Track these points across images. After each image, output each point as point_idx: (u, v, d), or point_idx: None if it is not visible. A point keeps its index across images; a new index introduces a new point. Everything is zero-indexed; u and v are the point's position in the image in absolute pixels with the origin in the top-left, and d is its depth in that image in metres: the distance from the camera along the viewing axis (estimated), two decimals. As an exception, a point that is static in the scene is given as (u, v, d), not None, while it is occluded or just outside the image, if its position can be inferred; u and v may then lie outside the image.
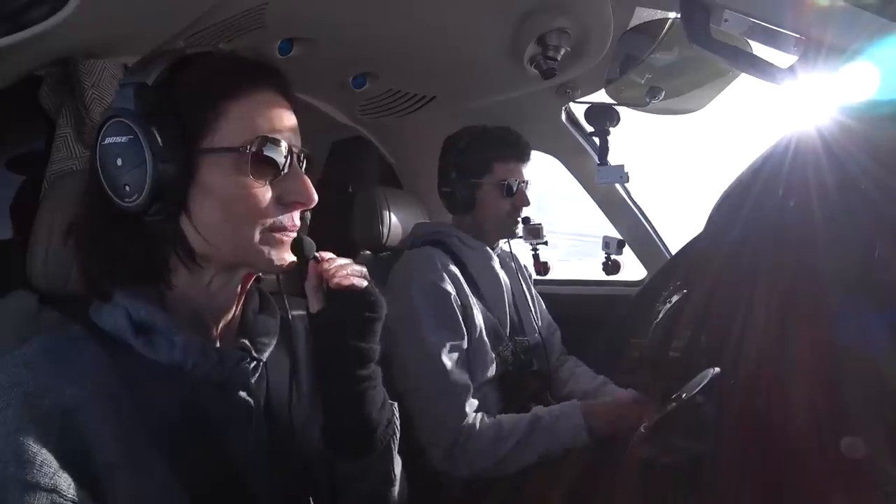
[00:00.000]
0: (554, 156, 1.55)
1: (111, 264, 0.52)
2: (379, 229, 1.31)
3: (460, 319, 1.06)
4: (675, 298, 0.62)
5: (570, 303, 1.56)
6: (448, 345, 1.02)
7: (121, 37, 0.89)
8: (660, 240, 1.55)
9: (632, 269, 1.54)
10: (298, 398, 0.61)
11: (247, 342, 0.59)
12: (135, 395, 0.50)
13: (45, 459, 0.43)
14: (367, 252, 1.37)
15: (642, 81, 1.14)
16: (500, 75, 1.26)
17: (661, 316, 0.63)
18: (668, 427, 0.52)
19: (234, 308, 0.58)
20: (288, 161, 0.53)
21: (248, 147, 0.50)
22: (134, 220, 0.51)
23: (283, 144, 0.53)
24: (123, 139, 0.49)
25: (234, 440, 0.55)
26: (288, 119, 0.54)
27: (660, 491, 0.54)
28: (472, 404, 1.00)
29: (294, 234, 0.55)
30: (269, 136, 0.52)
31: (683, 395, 0.50)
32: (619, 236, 1.51)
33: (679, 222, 1.62)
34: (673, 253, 1.50)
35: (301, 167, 0.55)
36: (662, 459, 0.54)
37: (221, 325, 0.58)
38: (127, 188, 0.49)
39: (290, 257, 0.55)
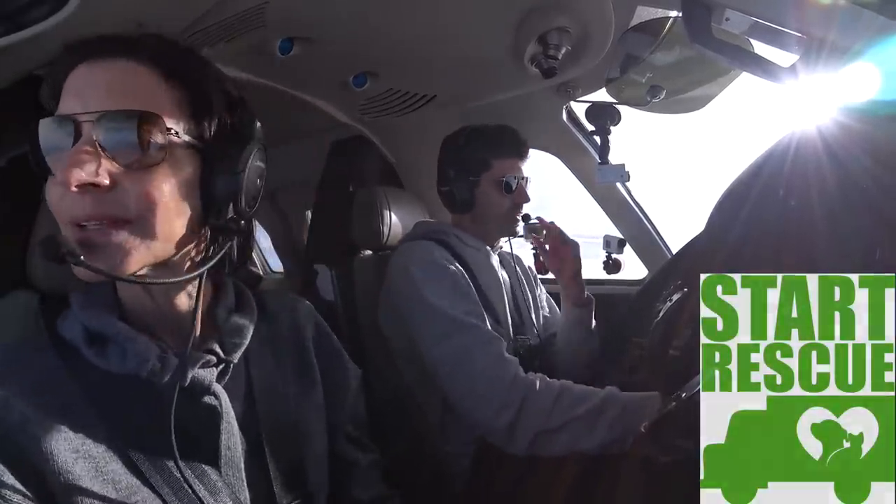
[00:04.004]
0: (555, 155, 1.55)
1: None
2: (379, 228, 1.31)
3: (468, 287, 1.04)
4: (675, 297, 0.62)
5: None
6: (462, 307, 0.98)
7: (121, 36, 0.89)
8: (660, 239, 1.55)
9: (632, 268, 1.54)
10: (286, 396, 0.60)
11: (215, 344, 0.56)
12: (95, 405, 0.49)
13: None
14: (368, 252, 1.36)
15: (643, 80, 1.14)
16: (501, 74, 1.26)
17: (661, 315, 0.63)
18: (668, 427, 0.52)
19: (193, 308, 0.55)
20: None
21: None
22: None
23: None
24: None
25: (206, 445, 0.53)
26: None
27: (660, 491, 0.54)
28: (513, 359, 0.93)
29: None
30: None
31: (683, 395, 0.50)
32: (620, 235, 1.51)
33: (679, 222, 1.62)
34: (674, 252, 1.49)
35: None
36: (662, 459, 0.54)
37: (180, 325, 0.55)
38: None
39: None
